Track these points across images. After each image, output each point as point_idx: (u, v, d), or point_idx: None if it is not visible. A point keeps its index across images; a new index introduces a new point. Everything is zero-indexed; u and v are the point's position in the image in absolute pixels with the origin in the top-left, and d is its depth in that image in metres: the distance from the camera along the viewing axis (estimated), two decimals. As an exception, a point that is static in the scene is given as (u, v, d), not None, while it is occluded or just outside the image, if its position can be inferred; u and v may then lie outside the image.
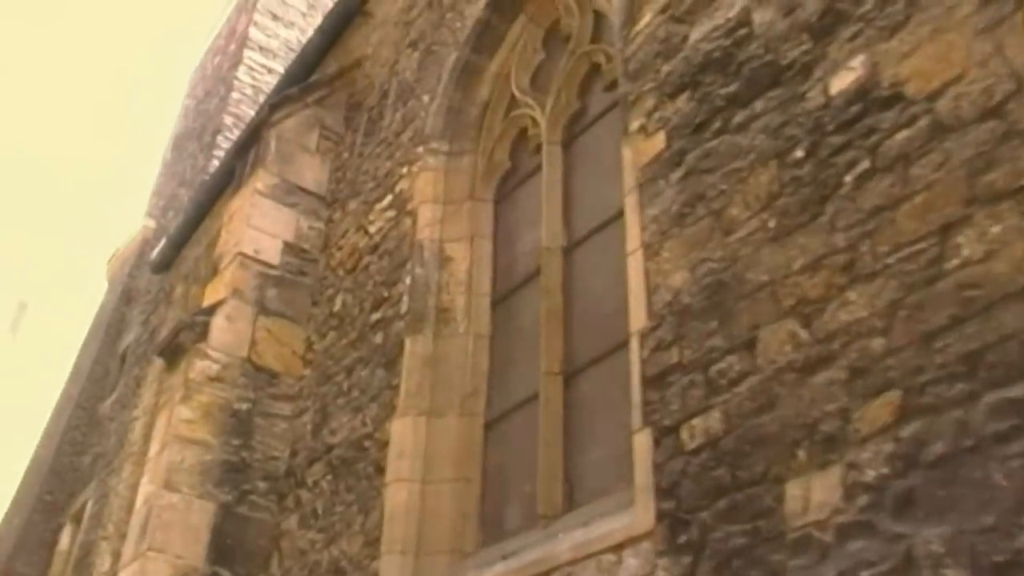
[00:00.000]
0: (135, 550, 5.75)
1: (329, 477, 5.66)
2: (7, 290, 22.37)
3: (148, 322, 12.06)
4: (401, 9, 7.58)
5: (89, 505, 11.06)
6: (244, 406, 6.31)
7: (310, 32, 14.09)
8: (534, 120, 5.76)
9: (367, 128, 7.36)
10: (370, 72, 7.81)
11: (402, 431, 5.14)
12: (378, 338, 5.78)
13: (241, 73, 13.30)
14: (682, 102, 4.19)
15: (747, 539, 3.03)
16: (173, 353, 6.53)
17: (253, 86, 13.33)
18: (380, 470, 5.16)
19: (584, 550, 3.64)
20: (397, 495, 4.94)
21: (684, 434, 3.43)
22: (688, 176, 3.96)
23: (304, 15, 14.44)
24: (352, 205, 6.95)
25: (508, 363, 5.25)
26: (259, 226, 6.96)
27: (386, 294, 5.91)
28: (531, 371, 4.94)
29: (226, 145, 12.48)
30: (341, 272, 6.66)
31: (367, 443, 5.40)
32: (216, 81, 14.36)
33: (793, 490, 2.95)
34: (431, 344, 5.40)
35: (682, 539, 3.26)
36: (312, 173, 7.46)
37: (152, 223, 14.14)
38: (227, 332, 6.46)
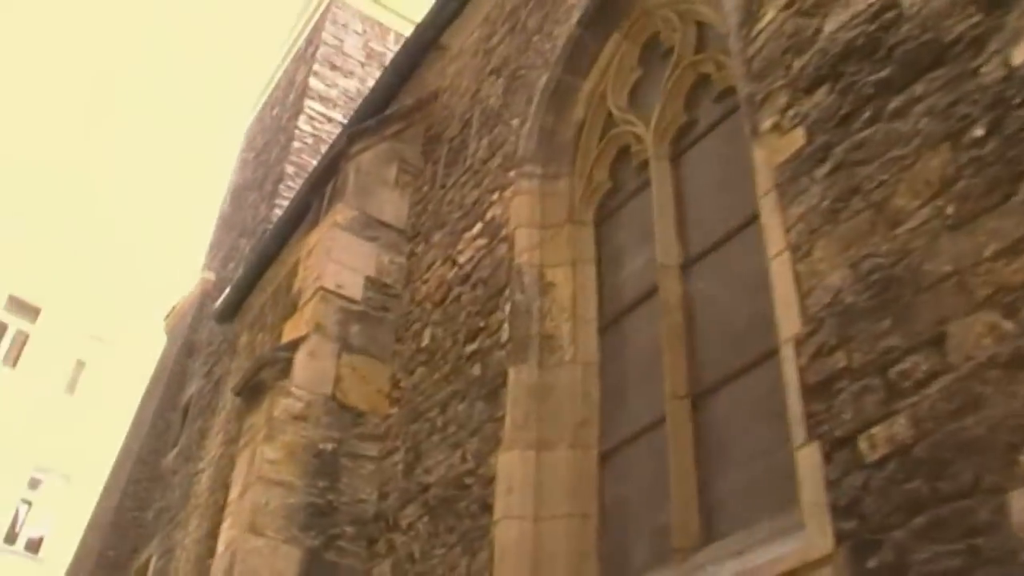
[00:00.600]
0: (220, 599, 5.41)
1: (426, 519, 5.29)
2: (65, 350, 22.34)
3: (211, 373, 11.85)
4: (480, 38, 7.40)
5: (153, 561, 10.73)
6: (329, 446, 5.99)
7: (370, 82, 14.09)
8: (637, 137, 5.49)
9: (448, 159, 7.14)
10: (448, 103, 7.62)
11: (509, 465, 4.78)
12: (475, 370, 5.45)
13: (301, 122, 13.25)
14: (821, 95, 3.88)
15: (963, 560, 2.61)
16: (253, 391, 6.24)
17: (314, 135, 13.27)
18: (486, 508, 4.79)
19: (747, 581, 3.24)
20: (507, 533, 4.56)
21: (863, 445, 3.04)
22: (838, 170, 3.63)
23: (363, 64, 14.45)
24: (437, 237, 6.69)
25: (621, 390, 4.89)
26: (340, 260, 6.71)
27: (482, 324, 5.59)
28: (650, 396, 4.58)
29: (288, 194, 12.39)
30: (428, 305, 6.37)
31: (468, 480, 5.04)
32: (275, 132, 14.34)
33: (1020, 501, 2.55)
34: (536, 373, 5.06)
35: (872, 563, 2.85)
36: (392, 207, 7.22)
37: (211, 275, 14.02)
38: (310, 369, 6.18)
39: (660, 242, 4.89)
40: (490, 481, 4.85)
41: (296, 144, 13.00)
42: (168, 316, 14.88)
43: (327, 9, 14.70)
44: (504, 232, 5.79)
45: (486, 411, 5.16)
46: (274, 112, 15.11)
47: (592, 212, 5.67)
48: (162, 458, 12.35)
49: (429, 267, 6.60)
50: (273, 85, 16.06)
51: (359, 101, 13.78)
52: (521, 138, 6.08)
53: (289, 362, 6.10)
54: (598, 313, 5.25)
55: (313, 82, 13.71)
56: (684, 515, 3.99)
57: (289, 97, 14.41)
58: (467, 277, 6.02)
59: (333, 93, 13.83)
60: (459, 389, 5.53)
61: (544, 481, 4.70)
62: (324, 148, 12.78)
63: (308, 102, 13.47)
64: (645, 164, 5.40)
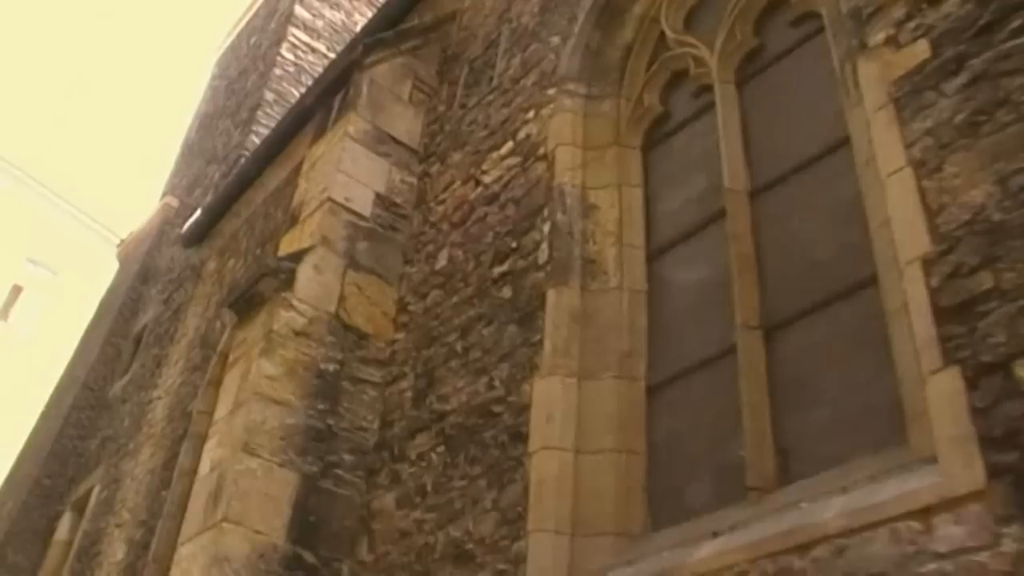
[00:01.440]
0: (204, 520, 4.91)
1: (441, 448, 4.87)
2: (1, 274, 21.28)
3: (171, 300, 11.23)
4: (510, -43, 6.91)
5: (96, 491, 10.13)
6: (331, 367, 5.51)
7: (356, 16, 13.52)
8: (698, 60, 5.10)
9: (469, 79, 6.68)
10: (469, 24, 7.14)
11: (549, 393, 4.37)
12: (505, 292, 5.03)
13: (284, 50, 12.63)
14: (952, 6, 3.53)
15: None
16: (250, 303, 5.73)
17: (296, 64, 12.65)
18: (518, 437, 4.38)
19: (864, 518, 2.88)
20: (546, 465, 4.16)
21: (1021, 371, 2.70)
22: (976, 82, 3.28)
23: (350, -1, 13.81)
24: (456, 157, 6.23)
25: (672, 322, 4.51)
26: (349, 172, 6.21)
27: (514, 244, 5.16)
28: (711, 328, 4.22)
29: (266, 121, 11.80)
30: (445, 226, 5.92)
31: (497, 408, 4.62)
32: (252, 60, 13.68)
33: None
34: (578, 297, 4.66)
35: (1036, 501, 2.52)
36: (404, 124, 6.74)
37: (175, 201, 13.34)
38: (314, 283, 5.69)
39: (728, 167, 4.51)
40: (523, 409, 4.44)
41: (277, 71, 12.38)
42: (121, 243, 14.15)
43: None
44: (542, 150, 5.36)
45: (519, 335, 4.74)
46: (252, 40, 14.43)
47: (640, 137, 5.27)
48: (110, 386, 11.70)
49: (446, 187, 6.14)
50: (252, 14, 15.35)
51: (345, 34, 13.21)
52: (563, 56, 5.65)
53: (292, 273, 5.60)
54: (646, 240, 4.86)
55: (298, 9, 13.09)
56: (759, 453, 3.63)
57: (270, 25, 13.75)
58: (494, 197, 5.58)
59: (319, 24, 13.21)
60: (484, 312, 5.10)
61: (587, 412, 4.31)
62: (306, 79, 12.22)
63: (292, 30, 12.85)
64: (705, 89, 5.03)
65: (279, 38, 12.90)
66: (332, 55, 13.04)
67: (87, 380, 11.78)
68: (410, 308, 5.85)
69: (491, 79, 6.38)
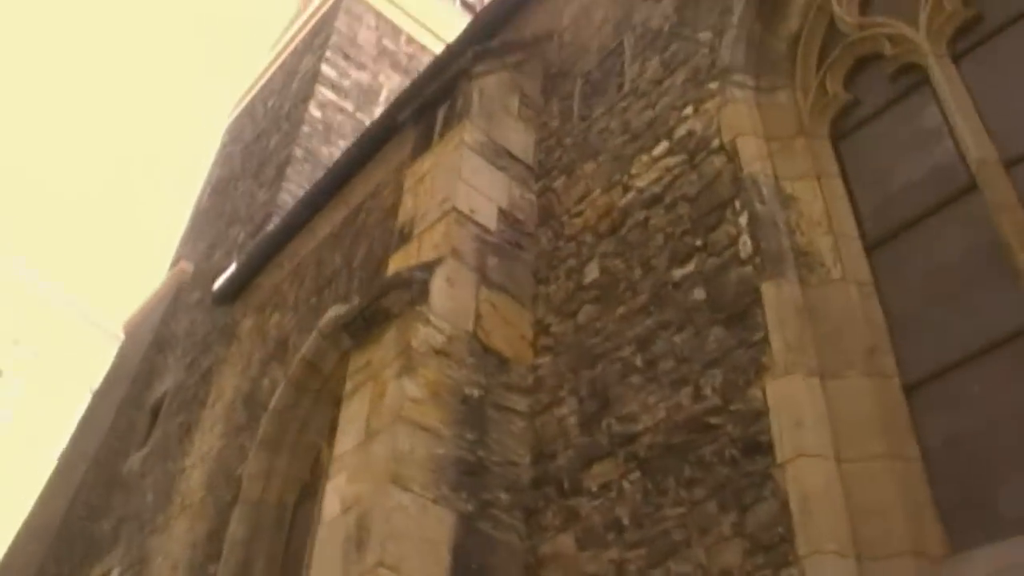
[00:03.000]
0: (346, 570, 4.07)
1: (636, 475, 4.11)
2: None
3: (195, 364, 10.37)
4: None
5: (116, 574, 9.06)
6: (475, 392, 4.77)
7: (381, 78, 13.12)
8: (895, 40, 4.60)
9: (587, 91, 6.17)
10: (573, 40, 6.67)
11: (790, 395, 3.69)
12: (696, 294, 4.36)
13: (312, 107, 12.09)
14: None
15: None
16: (371, 321, 4.99)
17: (324, 123, 12.13)
18: (756, 448, 3.66)
19: None
20: (808, 477, 3.44)
21: None
22: None
23: (374, 60, 13.43)
24: (589, 167, 5.65)
25: (916, 312, 3.89)
26: (471, 183, 5.58)
27: (698, 243, 4.53)
28: (979, 314, 3.60)
29: (296, 178, 11.20)
30: (589, 238, 5.28)
31: (715, 419, 3.90)
32: (273, 121, 13.16)
33: None
34: (798, 291, 4.02)
35: None
36: (517, 139, 6.16)
37: (189, 267, 12.56)
38: (449, 297, 4.98)
39: (972, 139, 3.96)
40: (756, 416, 3.74)
41: (306, 128, 11.84)
42: (129, 319, 13.31)
43: (340, -1, 13.70)
44: (716, 143, 4.78)
45: (729, 337, 4.06)
46: (269, 103, 13.94)
47: (827, 126, 4.73)
48: (123, 461, 10.69)
49: (582, 199, 5.52)
50: (267, 78, 14.91)
51: (371, 94, 12.77)
52: (723, 49, 5.14)
53: (425, 285, 4.89)
54: (859, 230, 4.27)
55: (325, 68, 12.65)
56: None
57: (292, 86, 13.28)
58: (656, 199, 4.96)
59: (345, 83, 12.76)
60: (670, 319, 4.42)
61: (840, 415, 3.63)
62: (334, 137, 11.70)
63: (319, 88, 12.36)
64: (906, 69, 4.53)
65: (305, 96, 12.41)
66: (360, 115, 12.58)
67: (97, 456, 10.76)
68: (553, 330, 5.15)
69: (620, 86, 5.85)
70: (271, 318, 9.17)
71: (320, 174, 11.51)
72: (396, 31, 14.03)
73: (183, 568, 7.92)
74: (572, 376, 4.81)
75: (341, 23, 13.25)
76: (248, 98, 15.22)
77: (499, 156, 5.91)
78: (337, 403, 7.73)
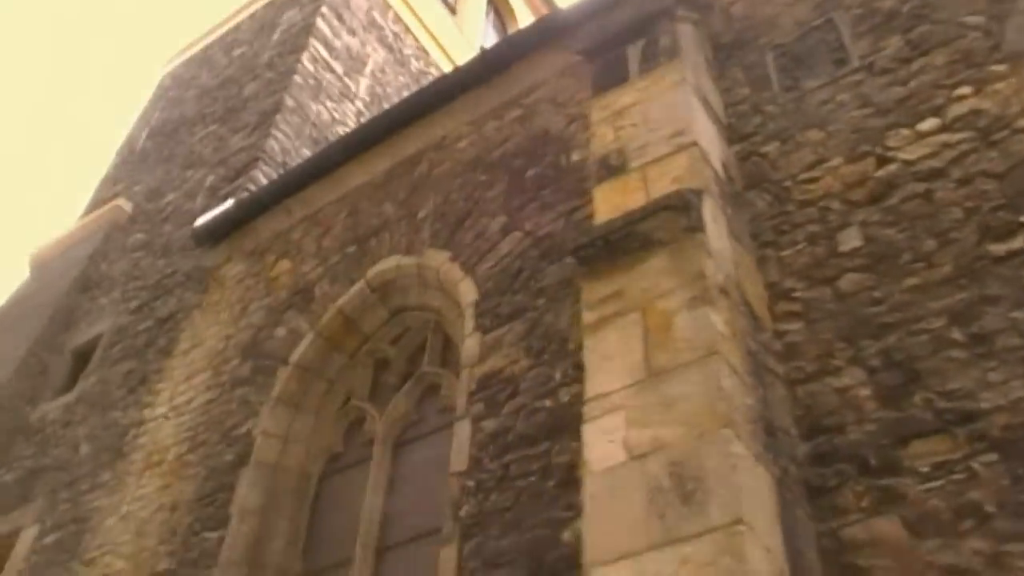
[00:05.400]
0: (673, 524, 3.23)
1: (990, 456, 3.54)
2: None
3: (147, 308, 8.97)
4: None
5: (32, 532, 7.52)
6: (753, 346, 4.07)
7: (369, 48, 12.23)
8: None
9: (784, 63, 5.69)
10: (750, 14, 6.20)
11: None
12: (1037, 269, 3.90)
13: (306, 60, 11.01)
14: None
15: None
16: (622, 246, 4.20)
17: (315, 78, 11.06)
18: None
19: None
20: None
21: None
22: None
23: (364, 28, 12.50)
24: (814, 135, 5.14)
25: None
26: (694, 122, 4.92)
27: (1022, 219, 4.09)
28: None
29: (285, 127, 10.11)
30: (837, 204, 4.73)
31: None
32: (245, 70, 11.92)
33: None
34: None
35: None
36: (713, 96, 5.56)
37: (127, 205, 11.03)
38: (716, 236, 4.28)
39: None
40: None
41: (298, 79, 10.73)
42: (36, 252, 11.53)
43: (338, -43, 12.72)
44: (1021, 123, 4.40)
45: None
46: (236, 52, 12.67)
47: None
48: (31, 407, 9.05)
49: (812, 166, 4.99)
50: (225, 28, 13.63)
51: (358, 63, 11.85)
52: (1007, 33, 4.81)
53: (700, 213, 4.17)
54: None
55: (320, 24, 11.58)
56: None
57: (273, 36, 12.10)
58: (938, 172, 4.51)
59: (336, 44, 11.77)
60: (997, 294, 3.93)
61: None
62: (322, 96, 10.74)
63: (314, 42, 11.30)
64: None
65: (295, 47, 11.27)
66: (348, 80, 11.59)
67: (1, 398, 9.01)
68: (798, 295, 4.53)
69: (841, 61, 5.42)
70: (276, 264, 7.99)
71: (308, 128, 10.49)
72: (385, 6, 13.14)
73: (156, 534, 6.56)
74: (845, 345, 4.20)
75: (337, -18, 12.28)
76: (199, 46, 13.80)
77: (707, 107, 5.30)
78: (380, 365, 6.77)
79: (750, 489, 3.30)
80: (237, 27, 13.39)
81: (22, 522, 7.72)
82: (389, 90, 12.25)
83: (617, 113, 5.24)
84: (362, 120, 11.30)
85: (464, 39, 14.66)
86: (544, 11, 16.92)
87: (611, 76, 5.54)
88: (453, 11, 15.01)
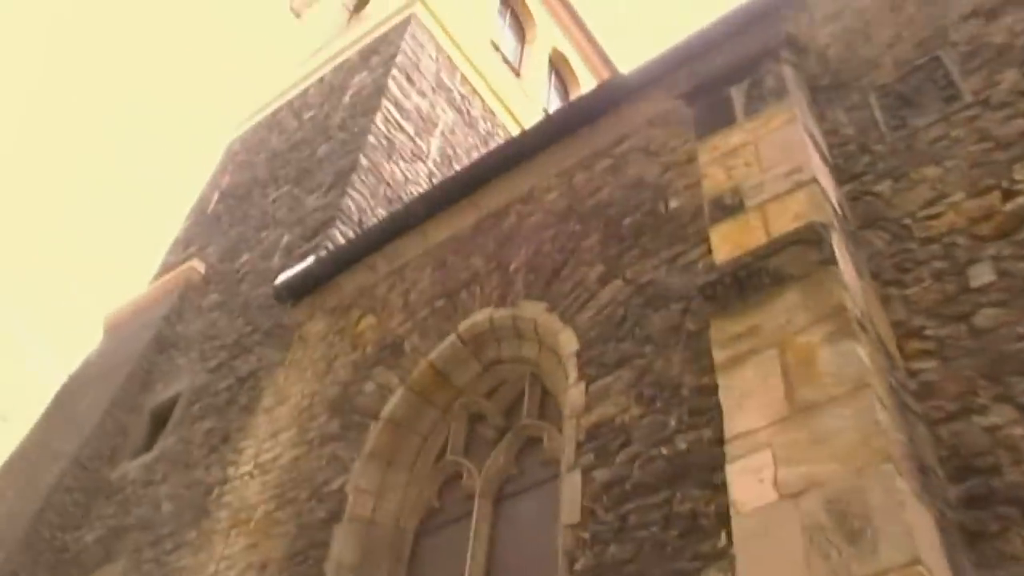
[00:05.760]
0: (841, 565, 3.05)
1: None
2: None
3: (227, 367, 8.96)
4: None
5: (118, 592, 7.42)
6: (892, 382, 3.89)
7: (438, 110, 12.35)
8: None
9: (889, 102, 5.59)
10: (847, 56, 6.12)
11: None
12: None
13: (378, 120, 11.14)
14: None
15: None
16: (752, 283, 4.08)
17: (388, 138, 11.16)
18: None
19: None
20: None
21: None
22: None
23: (433, 90, 12.65)
24: (931, 172, 5.01)
25: None
26: (809, 161, 4.82)
27: None
28: None
29: (361, 187, 10.18)
30: (962, 240, 4.58)
31: None
32: (318, 131, 12.09)
33: None
34: None
35: None
36: (819, 138, 5.46)
37: (201, 266, 11.13)
38: (846, 270, 4.14)
39: None
40: None
41: (371, 140, 10.83)
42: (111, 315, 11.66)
43: (406, 22, 12.96)
44: None
45: None
46: (307, 116, 12.87)
47: None
48: (110, 467, 9.03)
49: (932, 202, 4.85)
50: (292, 94, 13.88)
51: (428, 124, 11.96)
52: None
53: (831, 247, 4.04)
54: None
55: (391, 85, 11.74)
56: None
57: (343, 99, 12.29)
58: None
59: (407, 105, 11.90)
60: None
61: None
62: (396, 156, 10.82)
63: (386, 103, 11.44)
64: None
65: (367, 109, 11.43)
66: (419, 140, 11.70)
67: (79, 458, 9.01)
68: (929, 333, 4.36)
69: (951, 98, 5.31)
70: (361, 320, 7.95)
71: (383, 188, 10.55)
72: (452, 68, 13.32)
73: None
74: (989, 383, 4.01)
75: (406, 46, 12.46)
76: (266, 111, 14.08)
77: (816, 146, 5.21)
78: (474, 419, 6.65)
79: (920, 528, 3.11)
80: (305, 92, 13.65)
81: (105, 582, 7.63)
82: (459, 151, 12.34)
83: (727, 154, 5.17)
84: (434, 180, 11.38)
85: (529, 101, 14.78)
86: (605, 75, 17.13)
87: (717, 118, 5.48)
88: (517, 74, 15.17)
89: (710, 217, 4.89)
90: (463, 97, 13.23)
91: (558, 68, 16.93)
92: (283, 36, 18.03)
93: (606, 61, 17.56)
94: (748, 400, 3.76)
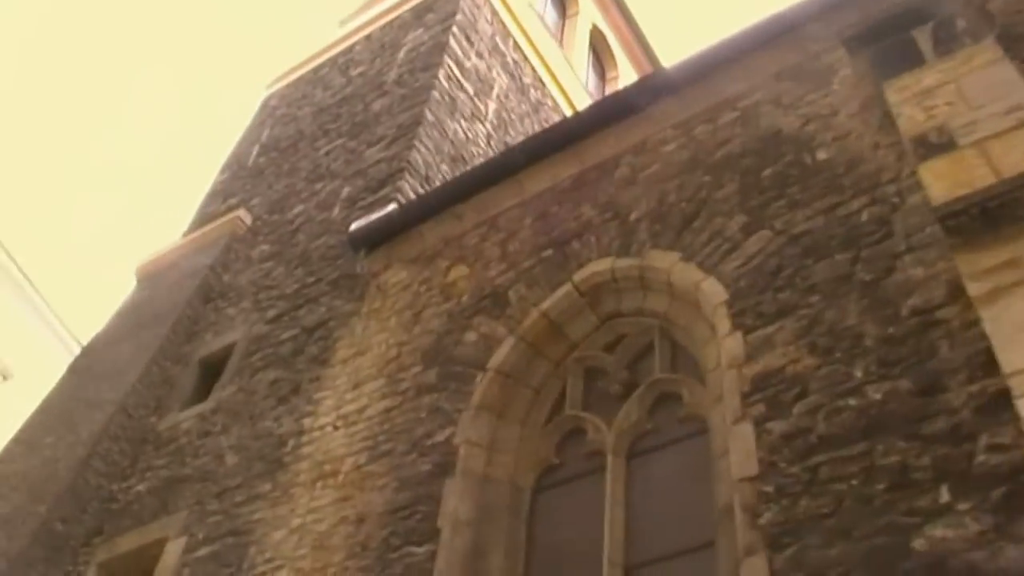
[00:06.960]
0: None
1: None
2: None
3: (290, 317, 8.51)
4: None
5: (180, 543, 6.95)
6: None
7: (494, 72, 11.96)
8: None
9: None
10: (1010, 9, 5.81)
11: None
12: None
13: (442, 77, 10.72)
14: None
15: None
16: (1010, 213, 3.73)
17: (450, 95, 10.75)
18: None
19: None
20: None
21: None
22: None
23: (489, 53, 12.25)
24: None
25: None
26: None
27: None
28: None
29: (427, 140, 9.79)
30: None
31: None
32: (371, 87, 11.64)
33: None
34: None
35: None
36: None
37: (247, 217, 10.66)
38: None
39: None
40: None
41: (436, 95, 10.42)
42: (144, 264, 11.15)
43: (466, -18, 12.56)
44: None
45: None
46: (356, 71, 12.42)
47: None
48: (157, 416, 8.54)
49: None
50: (337, 50, 13.44)
51: (485, 85, 11.58)
52: None
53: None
54: None
55: (452, 43, 11.34)
56: None
57: (398, 55, 11.85)
58: None
59: (467, 64, 11.48)
60: None
61: None
62: (458, 115, 10.44)
63: (447, 60, 11.03)
64: None
65: (428, 65, 11.01)
66: (477, 100, 11.29)
67: (125, 407, 8.49)
68: None
69: None
70: (451, 270, 7.54)
71: (447, 145, 10.14)
72: (506, 33, 12.93)
73: (343, 548, 5.98)
74: None
75: (464, 5, 12.06)
76: (307, 67, 13.63)
77: (1019, 89, 4.89)
78: (591, 374, 6.27)
79: None
80: (350, 48, 13.20)
81: (165, 533, 7.15)
82: (513, 116, 11.96)
83: (920, 94, 4.83)
84: (492, 143, 11.00)
85: (572, 76, 14.43)
86: (642, 59, 16.83)
87: (900, 59, 5.15)
88: (561, 46, 14.80)
89: (915, 155, 4.55)
90: (515, 63, 12.85)
91: (596, 47, 16.57)
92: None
93: (643, 43, 17.23)
94: (1021, 334, 3.42)
